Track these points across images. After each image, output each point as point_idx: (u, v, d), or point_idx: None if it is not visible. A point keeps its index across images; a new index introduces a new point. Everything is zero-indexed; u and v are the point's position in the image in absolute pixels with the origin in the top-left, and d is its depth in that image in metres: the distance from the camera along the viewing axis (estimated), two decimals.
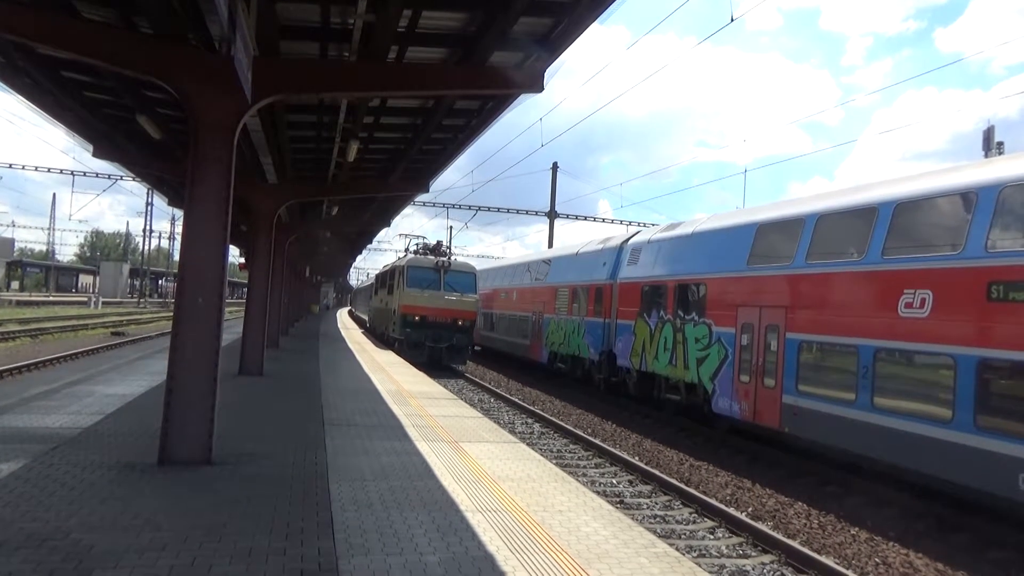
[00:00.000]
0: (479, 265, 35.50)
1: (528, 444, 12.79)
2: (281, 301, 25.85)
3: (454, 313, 27.61)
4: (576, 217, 50.23)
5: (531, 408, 18.75)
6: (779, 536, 9.03)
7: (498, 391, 22.04)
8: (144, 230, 78.10)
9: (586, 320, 22.63)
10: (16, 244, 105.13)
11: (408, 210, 47.40)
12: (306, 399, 13.27)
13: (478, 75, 9.55)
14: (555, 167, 45.97)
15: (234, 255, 38.85)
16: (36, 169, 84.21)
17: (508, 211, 51.53)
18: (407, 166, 17.44)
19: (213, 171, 7.90)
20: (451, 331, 27.37)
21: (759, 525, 9.45)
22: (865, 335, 11.33)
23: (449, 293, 27.83)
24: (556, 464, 10.99)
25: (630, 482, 11.96)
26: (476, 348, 31.65)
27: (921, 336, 10.38)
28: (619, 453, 13.56)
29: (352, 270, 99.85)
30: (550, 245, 43.90)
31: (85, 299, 67.01)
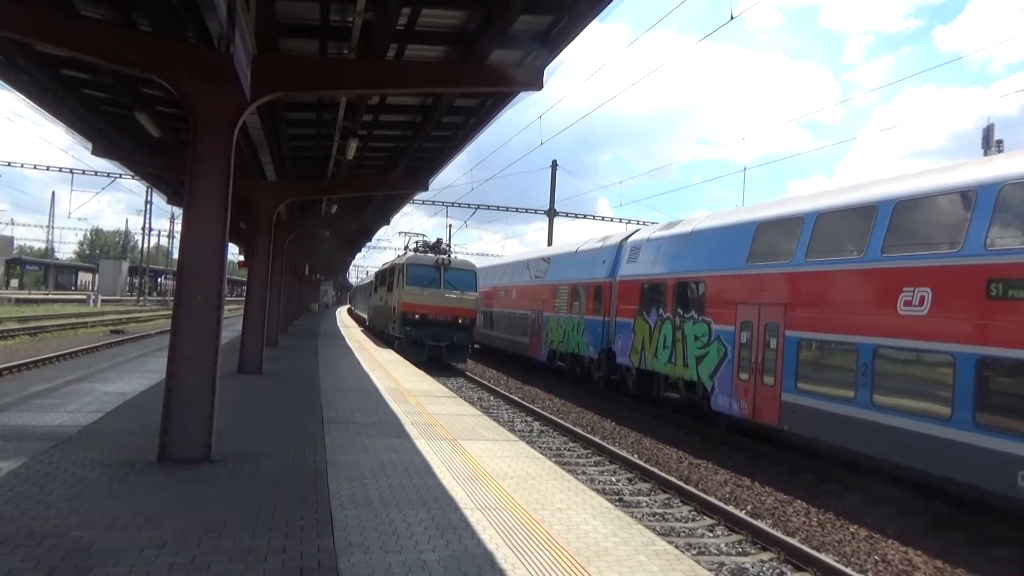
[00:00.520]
0: (478, 263, 35.46)
1: (527, 442, 12.81)
2: (280, 299, 25.85)
3: (454, 311, 27.49)
4: (575, 215, 50.34)
5: (530, 406, 18.76)
6: (778, 534, 9.04)
7: (497, 389, 22.05)
8: (143, 228, 78.13)
9: (585, 318, 22.63)
10: (15, 242, 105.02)
11: (408, 208, 47.45)
12: (305, 397, 13.27)
13: (477, 73, 9.54)
14: (554, 165, 46.00)
15: (233, 253, 38.87)
16: (35, 167, 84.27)
17: (507, 209, 51.63)
18: (407, 164, 17.44)
19: (212, 169, 7.90)
20: (451, 329, 27.25)
21: (758, 523, 9.46)
22: (864, 333, 11.33)
23: (449, 291, 27.70)
24: (555, 462, 11.00)
25: (629, 480, 11.97)
26: (475, 346, 31.62)
27: (920, 334, 10.38)
28: (618, 451, 13.57)
29: (351, 268, 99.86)
30: (549, 243, 43.91)
31: (84, 297, 66.97)
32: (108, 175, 44.50)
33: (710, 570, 6.97)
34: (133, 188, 77.60)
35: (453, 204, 47.89)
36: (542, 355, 26.50)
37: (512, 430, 15.06)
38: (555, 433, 15.75)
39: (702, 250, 16.58)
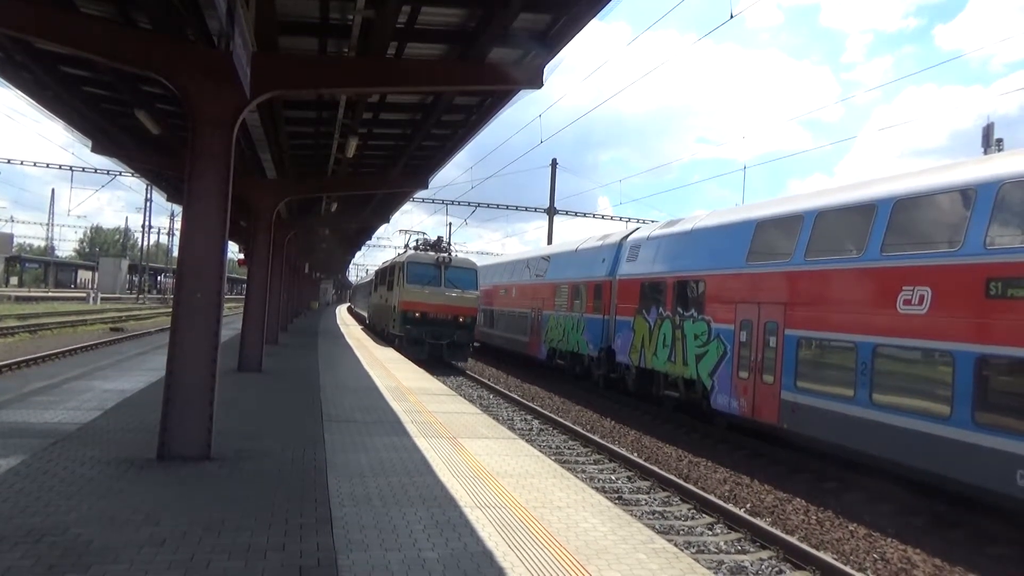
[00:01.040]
0: (478, 262, 35.43)
1: (527, 440, 12.81)
2: (280, 297, 25.84)
3: (455, 310, 27.38)
4: (575, 214, 50.37)
5: (530, 404, 18.77)
6: (777, 532, 9.04)
7: (497, 387, 22.06)
8: (143, 226, 78.04)
9: (585, 317, 22.63)
10: (15, 239, 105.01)
11: (407, 206, 47.43)
12: (305, 395, 13.27)
13: (477, 71, 9.54)
14: (554, 163, 45.99)
15: (233, 251, 38.85)
16: (35, 164, 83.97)
17: (507, 207, 51.63)
18: (406, 162, 17.44)
19: (212, 167, 7.90)
20: (452, 328, 27.12)
21: (757, 521, 9.47)
22: (864, 332, 11.33)
23: (450, 289, 27.59)
24: (555, 460, 11.00)
25: (629, 478, 11.97)
26: (475, 345, 31.62)
27: (920, 333, 10.38)
28: (618, 449, 13.57)
29: (351, 266, 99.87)
30: (549, 242, 43.92)
31: (84, 295, 66.95)
32: (108, 172, 44.51)
33: (709, 568, 6.98)
34: (133, 186, 77.72)
35: (453, 202, 47.93)
36: (542, 354, 26.50)
37: (512, 428, 15.07)
38: (555, 431, 15.76)
39: (702, 249, 16.58)
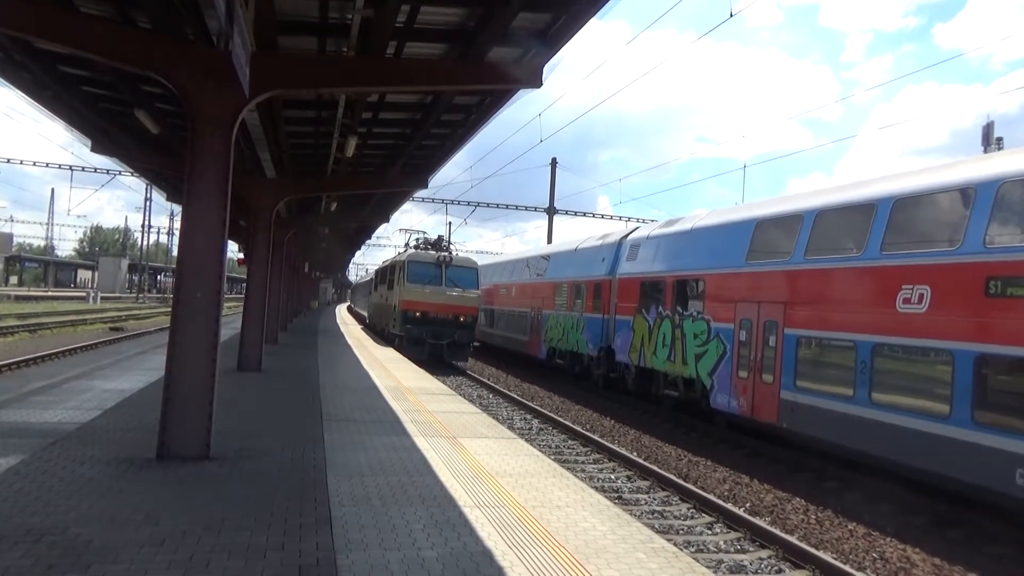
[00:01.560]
0: (478, 261, 35.38)
1: (527, 440, 12.81)
2: (280, 297, 25.84)
3: (456, 309, 27.17)
4: (575, 213, 50.37)
5: (530, 404, 18.77)
6: (777, 531, 9.05)
7: (497, 387, 22.06)
8: (143, 225, 78.05)
9: (585, 316, 22.64)
10: (15, 239, 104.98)
11: (407, 206, 47.43)
12: (305, 394, 13.27)
13: (477, 70, 9.53)
14: (554, 163, 45.99)
15: (233, 250, 38.84)
16: (35, 164, 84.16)
17: (507, 207, 51.66)
18: (406, 161, 17.43)
19: (211, 166, 7.90)
20: (453, 327, 26.92)
21: (757, 520, 9.47)
22: (863, 331, 11.34)
23: (451, 289, 27.39)
24: (554, 460, 11.00)
25: (628, 478, 11.98)
26: (475, 344, 31.60)
27: (919, 332, 10.39)
28: (617, 449, 13.58)
29: (351, 266, 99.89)
30: (549, 241, 43.91)
31: (83, 294, 66.92)
32: (107, 172, 44.50)
33: (708, 567, 6.98)
34: (133, 185, 77.71)
35: (453, 202, 47.89)
36: (541, 353, 26.49)
37: (511, 428, 15.07)
38: (554, 431, 15.76)
39: (701, 248, 16.58)
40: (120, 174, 43.09)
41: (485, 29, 8.70)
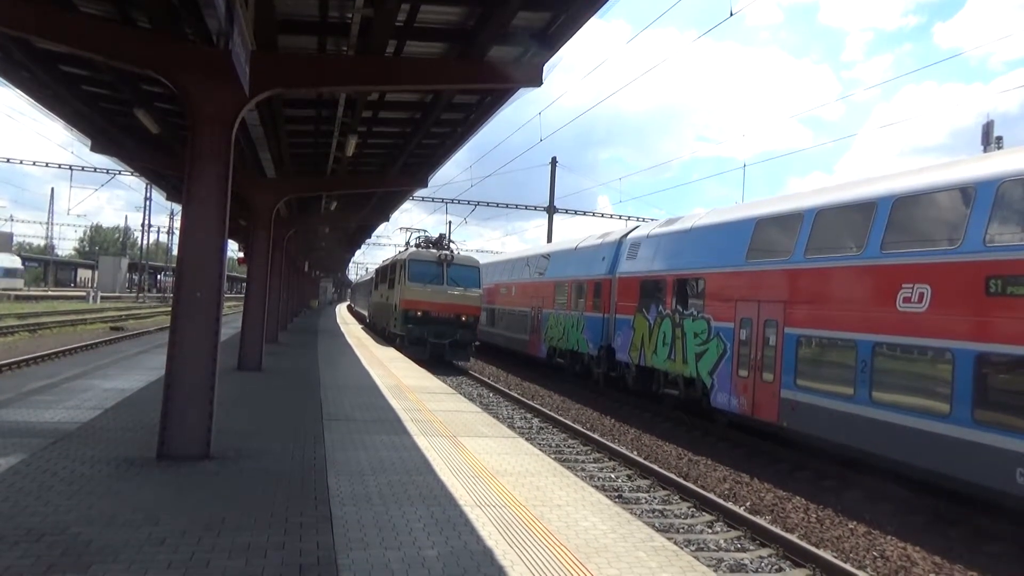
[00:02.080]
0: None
1: (527, 439, 12.81)
2: (280, 296, 25.82)
3: (457, 308, 26.86)
4: (575, 212, 50.24)
5: (530, 403, 18.77)
6: (777, 530, 9.05)
7: (497, 386, 22.06)
8: (143, 224, 78.05)
9: (585, 315, 22.63)
10: (15, 238, 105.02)
11: (407, 205, 47.42)
12: (305, 394, 13.28)
13: (477, 69, 9.52)
14: (554, 162, 45.97)
15: (233, 249, 38.82)
16: (34, 163, 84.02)
17: (507, 206, 51.62)
18: (406, 161, 17.42)
19: (211, 165, 7.89)
20: (454, 327, 26.62)
21: (757, 519, 9.48)
22: (863, 330, 11.34)
23: (452, 287, 27.07)
24: (555, 459, 11.02)
25: (629, 476, 11.98)
26: (476, 343, 31.52)
27: (919, 330, 10.39)
28: (618, 448, 13.58)
29: (351, 265, 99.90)
30: (549, 240, 43.89)
31: (84, 294, 66.93)
32: (107, 171, 44.45)
33: (709, 566, 6.98)
34: (132, 185, 77.61)
35: (453, 201, 47.79)
36: (541, 352, 26.48)
37: (512, 427, 15.07)
38: (554, 430, 15.76)
39: (702, 247, 16.58)
40: (120, 173, 43.07)
41: (485, 28, 8.69)
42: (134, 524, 5.56)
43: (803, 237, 13.11)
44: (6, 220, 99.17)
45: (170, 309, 8.47)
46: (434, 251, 28.46)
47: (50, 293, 69.47)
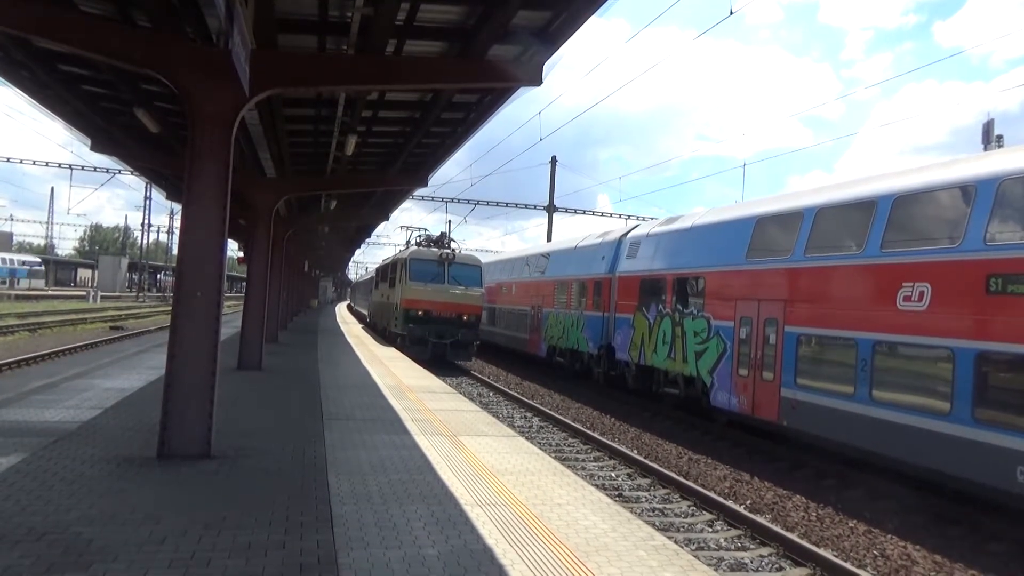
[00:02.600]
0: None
1: (527, 438, 12.81)
2: (280, 295, 25.80)
3: (459, 307, 26.53)
4: (575, 211, 50.25)
5: (530, 402, 18.77)
6: (777, 529, 9.05)
7: (497, 385, 22.05)
8: (142, 224, 78.02)
9: (585, 314, 22.64)
10: (14, 238, 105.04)
11: (407, 204, 47.45)
12: (305, 393, 13.28)
13: (476, 69, 9.52)
14: (554, 161, 45.95)
15: (233, 249, 38.82)
16: (34, 163, 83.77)
17: (507, 205, 51.62)
18: (406, 160, 17.43)
19: (211, 165, 7.89)
20: (456, 326, 26.27)
21: (757, 518, 9.48)
22: (864, 328, 11.34)
23: (454, 287, 26.73)
24: (555, 458, 11.01)
25: (629, 475, 11.98)
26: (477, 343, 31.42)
27: (919, 329, 10.39)
28: (618, 446, 13.58)
29: (351, 264, 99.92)
30: (549, 239, 43.89)
31: (83, 293, 66.93)
32: (107, 171, 44.44)
33: (709, 565, 6.99)
34: (132, 184, 77.46)
35: (452, 200, 47.75)
36: (541, 351, 26.48)
37: (512, 426, 15.07)
38: (555, 429, 15.76)
39: (701, 246, 16.58)
40: (120, 173, 43.07)
41: (485, 27, 8.69)
42: (134, 523, 5.56)
43: (803, 236, 13.10)
44: (6, 220, 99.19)
45: (170, 308, 8.47)
46: (435, 250, 28.14)
47: (50, 293, 69.45)
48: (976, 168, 10.32)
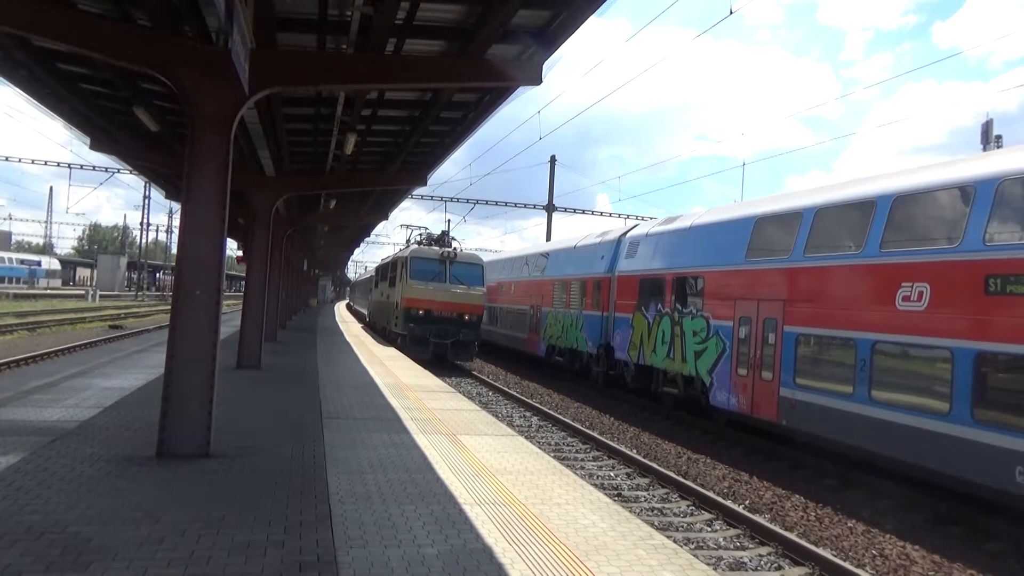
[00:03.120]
0: None
1: (526, 437, 12.82)
2: (279, 294, 25.78)
3: (460, 307, 26.15)
4: (574, 210, 50.31)
5: (529, 401, 18.78)
6: (776, 528, 9.06)
7: (496, 384, 22.05)
8: (142, 223, 78.00)
9: (584, 313, 22.64)
10: (13, 237, 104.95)
11: (406, 203, 47.44)
12: (304, 392, 13.27)
13: (476, 68, 9.52)
14: (553, 160, 45.95)
15: (232, 248, 38.81)
16: (33, 162, 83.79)
17: (506, 204, 51.62)
18: (405, 159, 17.42)
19: (210, 164, 7.88)
20: (457, 326, 25.90)
21: (756, 517, 9.48)
22: (863, 328, 11.34)
23: (455, 286, 26.36)
24: (554, 457, 11.02)
25: (628, 475, 11.98)
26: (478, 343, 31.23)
27: (919, 329, 10.39)
28: (617, 446, 13.59)
29: (350, 263, 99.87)
30: (548, 238, 43.89)
31: (82, 292, 66.93)
32: (106, 170, 44.59)
33: (708, 564, 6.99)
34: (131, 183, 77.40)
35: (452, 199, 47.71)
36: (540, 350, 26.47)
37: (511, 425, 15.08)
38: (554, 428, 15.77)
39: (701, 245, 16.59)
40: (119, 172, 43.11)
41: (484, 26, 8.69)
42: (134, 522, 5.56)
43: (802, 236, 13.11)
44: (5, 219, 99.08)
45: (169, 307, 8.47)
46: (437, 248, 27.70)
47: (49, 291, 69.41)
48: (975, 168, 10.32)
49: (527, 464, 8.59)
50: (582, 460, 12.90)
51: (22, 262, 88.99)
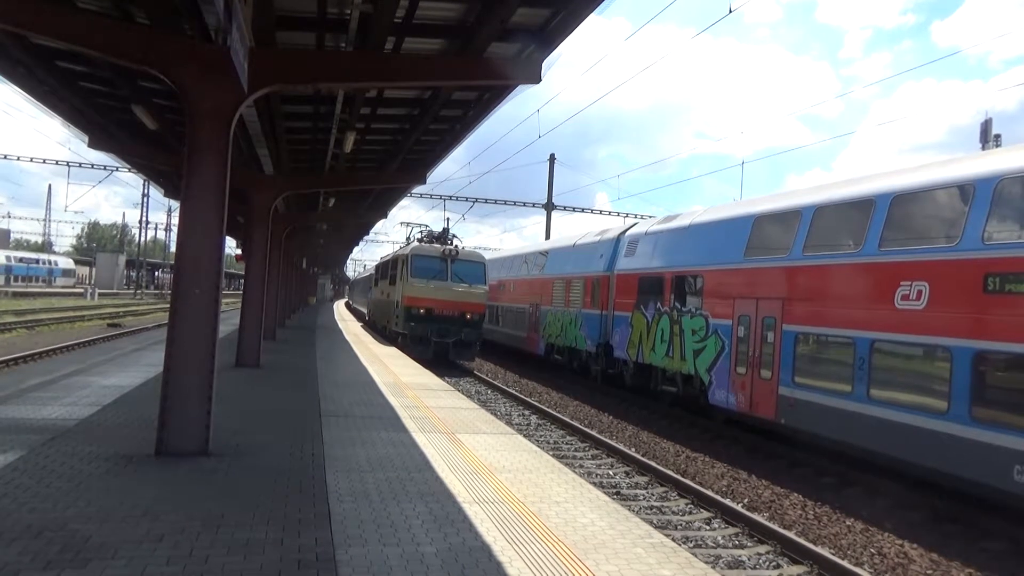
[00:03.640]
0: None
1: (525, 435, 12.82)
2: (278, 293, 25.76)
3: (462, 306, 25.73)
4: (573, 209, 50.39)
5: (528, 400, 18.78)
6: (775, 527, 9.07)
7: (495, 383, 22.05)
8: (140, 221, 78.02)
9: (583, 312, 22.64)
10: (12, 235, 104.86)
11: (405, 202, 47.45)
12: (303, 390, 13.28)
13: (475, 66, 9.51)
14: (552, 159, 45.97)
15: (231, 246, 38.78)
16: (32, 160, 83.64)
17: (505, 203, 51.65)
18: (404, 157, 17.41)
19: (209, 162, 7.88)
20: (459, 325, 25.47)
21: (755, 516, 9.49)
22: (862, 327, 11.35)
23: (457, 284, 25.90)
24: (553, 455, 11.03)
25: (627, 473, 11.99)
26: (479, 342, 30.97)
27: (917, 328, 10.40)
28: (616, 444, 13.59)
29: (349, 262, 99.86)
30: (547, 237, 43.89)
31: (81, 290, 66.87)
32: (105, 168, 44.52)
33: (707, 562, 7.00)
34: (130, 181, 77.76)
35: (451, 198, 47.72)
36: (539, 349, 26.47)
37: (510, 424, 15.08)
38: (552, 426, 15.78)
39: (700, 244, 16.59)
40: (118, 170, 43.11)
41: (484, 24, 8.68)
42: (133, 520, 5.56)
43: (801, 234, 13.11)
44: (3, 217, 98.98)
45: (168, 306, 8.46)
46: (438, 246, 27.27)
47: (48, 290, 69.36)
48: (974, 167, 10.33)
49: (526, 462, 8.59)
50: (581, 458, 12.91)
51: (45, 262, 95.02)
